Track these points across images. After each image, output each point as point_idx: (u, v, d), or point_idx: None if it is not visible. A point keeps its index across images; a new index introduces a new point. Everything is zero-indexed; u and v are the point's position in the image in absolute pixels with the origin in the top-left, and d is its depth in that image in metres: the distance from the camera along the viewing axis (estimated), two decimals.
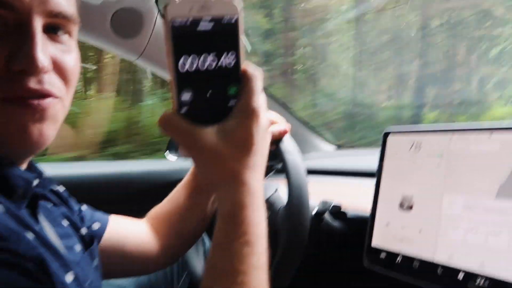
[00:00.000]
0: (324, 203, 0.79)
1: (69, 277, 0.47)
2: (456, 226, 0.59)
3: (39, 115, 0.46)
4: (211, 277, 0.46)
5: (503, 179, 0.56)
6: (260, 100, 0.48)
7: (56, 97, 0.48)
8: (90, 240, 0.63)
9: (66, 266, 0.47)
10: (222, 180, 0.47)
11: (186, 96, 0.44)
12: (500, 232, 0.55)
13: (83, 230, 0.63)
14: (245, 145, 0.47)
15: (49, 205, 0.59)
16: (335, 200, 0.81)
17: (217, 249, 0.47)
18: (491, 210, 0.56)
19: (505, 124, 0.58)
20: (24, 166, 0.52)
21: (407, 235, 0.65)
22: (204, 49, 0.44)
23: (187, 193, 0.79)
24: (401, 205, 0.67)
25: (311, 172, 1.28)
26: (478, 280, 0.55)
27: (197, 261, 0.90)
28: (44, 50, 0.45)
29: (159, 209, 0.81)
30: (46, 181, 0.55)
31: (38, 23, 0.44)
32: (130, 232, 0.76)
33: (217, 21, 0.43)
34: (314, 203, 0.80)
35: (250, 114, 0.47)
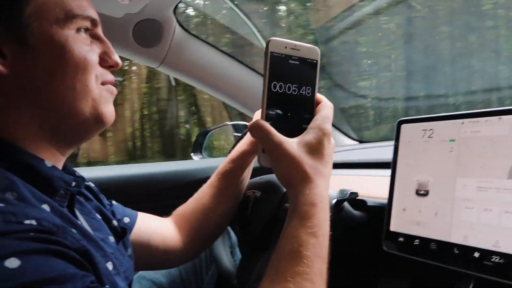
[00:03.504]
0: (342, 191, 0.82)
1: (109, 266, 0.52)
2: (470, 207, 0.61)
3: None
4: (279, 257, 0.53)
5: None
6: (330, 125, 0.59)
7: None
8: (122, 232, 0.69)
9: (106, 256, 0.53)
10: (298, 182, 0.56)
11: (272, 112, 0.56)
12: None
13: (114, 223, 0.68)
14: (319, 156, 0.57)
15: (83, 199, 0.65)
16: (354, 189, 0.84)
17: (286, 236, 0.54)
18: (504, 190, 0.58)
19: None
20: (60, 167, 0.58)
21: (424, 218, 0.67)
22: (290, 79, 0.56)
23: (211, 193, 0.84)
24: (417, 192, 0.70)
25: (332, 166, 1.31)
26: (493, 258, 0.57)
27: (223, 253, 0.95)
28: None
29: (184, 208, 0.87)
30: (80, 180, 0.61)
31: None
32: (155, 228, 0.82)
33: (302, 60, 0.56)
34: (333, 193, 0.83)
35: (324, 133, 0.58)
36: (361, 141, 1.58)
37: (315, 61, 0.57)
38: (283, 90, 0.55)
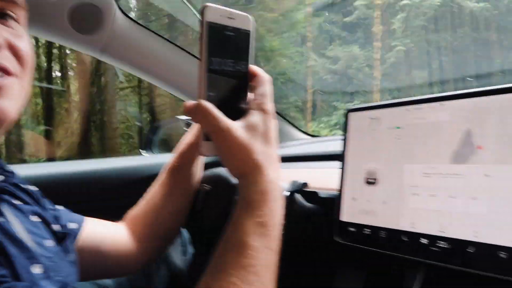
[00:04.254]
0: (294, 182, 0.81)
1: (35, 269, 0.47)
2: (416, 194, 0.62)
3: None
4: (223, 248, 0.49)
5: (456, 144, 0.59)
6: (271, 102, 0.55)
7: (10, 73, 0.49)
8: (64, 236, 0.63)
9: (33, 258, 0.48)
10: (250, 171, 0.52)
11: (212, 93, 0.50)
12: (456, 195, 0.57)
13: (56, 227, 0.63)
14: (266, 139, 0.53)
15: (18, 203, 0.59)
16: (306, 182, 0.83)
17: (232, 226, 0.50)
18: (447, 175, 0.59)
19: (454, 92, 0.61)
20: None
21: (373, 207, 0.67)
22: (227, 53, 0.50)
23: (161, 191, 0.79)
24: (367, 180, 0.69)
25: (284, 159, 1.30)
26: (440, 243, 0.58)
27: (174, 251, 0.90)
28: None
29: (135, 210, 0.82)
30: (12, 176, 0.55)
31: None
32: (105, 234, 0.76)
33: (236, 31, 0.50)
34: (284, 185, 0.82)
35: (267, 113, 0.53)
36: (313, 135, 1.58)
37: (248, 31, 0.52)
38: (221, 67, 0.49)
